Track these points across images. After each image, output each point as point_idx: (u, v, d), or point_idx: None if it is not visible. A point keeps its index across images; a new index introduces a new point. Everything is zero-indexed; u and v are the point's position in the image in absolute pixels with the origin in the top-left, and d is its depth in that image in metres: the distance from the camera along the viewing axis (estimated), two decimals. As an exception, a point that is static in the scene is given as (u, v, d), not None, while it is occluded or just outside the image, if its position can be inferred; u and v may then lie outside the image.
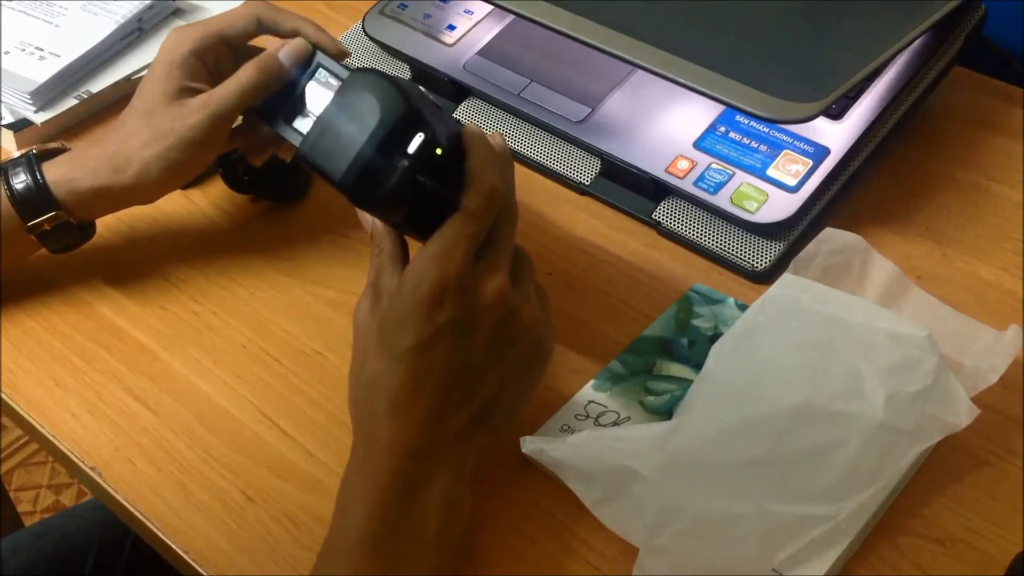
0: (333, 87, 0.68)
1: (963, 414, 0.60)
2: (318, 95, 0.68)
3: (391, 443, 0.57)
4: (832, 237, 0.70)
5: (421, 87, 0.57)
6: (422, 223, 0.59)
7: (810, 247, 0.70)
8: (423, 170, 0.57)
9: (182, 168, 0.71)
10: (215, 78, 0.72)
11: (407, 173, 0.56)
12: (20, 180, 0.70)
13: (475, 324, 0.57)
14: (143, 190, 0.72)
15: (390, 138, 0.56)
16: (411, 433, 0.57)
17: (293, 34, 0.72)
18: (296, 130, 0.68)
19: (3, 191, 0.70)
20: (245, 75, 0.70)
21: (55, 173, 0.71)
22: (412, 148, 0.56)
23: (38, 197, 0.70)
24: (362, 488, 0.57)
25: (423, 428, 0.57)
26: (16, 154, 0.72)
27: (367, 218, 0.62)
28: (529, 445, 0.63)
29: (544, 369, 0.62)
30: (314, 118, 0.65)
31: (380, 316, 0.58)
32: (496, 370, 0.59)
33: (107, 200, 0.72)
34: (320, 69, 0.69)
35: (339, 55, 0.71)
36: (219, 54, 0.73)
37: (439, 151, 0.57)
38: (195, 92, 0.71)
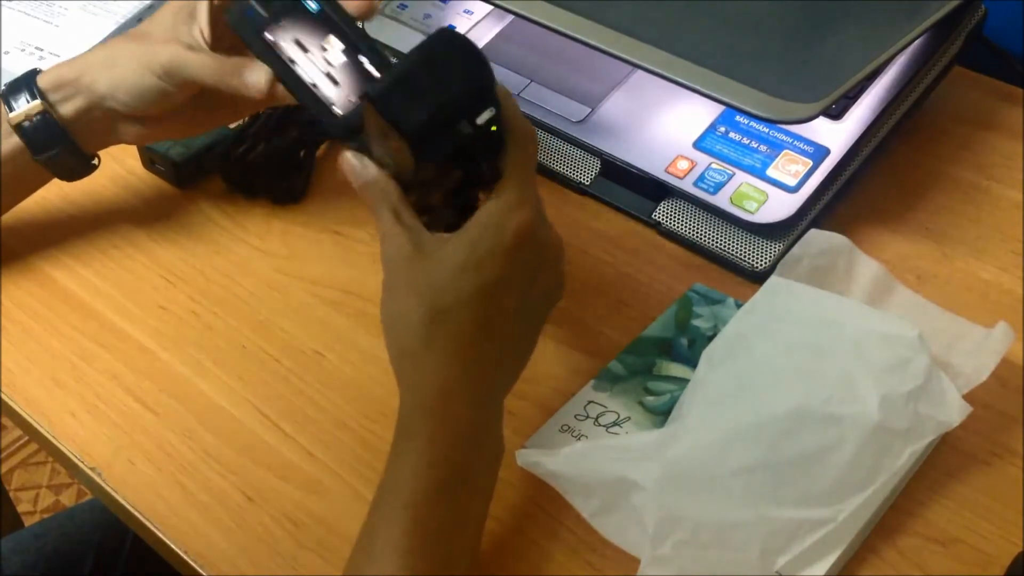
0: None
1: (955, 412, 0.60)
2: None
3: (458, 387, 0.56)
4: (817, 238, 0.70)
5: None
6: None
7: (796, 249, 0.69)
8: (480, 142, 0.58)
9: (149, 96, 0.70)
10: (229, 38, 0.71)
11: (467, 141, 0.57)
12: (12, 80, 0.72)
13: (537, 273, 0.59)
14: (114, 104, 0.71)
15: (468, 104, 0.57)
16: (481, 376, 0.57)
17: None
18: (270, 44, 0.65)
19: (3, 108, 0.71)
20: (232, 75, 0.68)
21: (48, 70, 0.72)
22: (481, 120, 0.58)
23: (23, 85, 0.71)
24: (428, 431, 0.55)
25: (490, 372, 0.58)
26: None
27: (365, 170, 0.59)
28: (524, 458, 0.62)
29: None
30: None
31: (446, 256, 0.57)
32: (539, 319, 0.60)
33: (87, 109, 0.71)
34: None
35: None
36: None
37: (495, 128, 0.59)
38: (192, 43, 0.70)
